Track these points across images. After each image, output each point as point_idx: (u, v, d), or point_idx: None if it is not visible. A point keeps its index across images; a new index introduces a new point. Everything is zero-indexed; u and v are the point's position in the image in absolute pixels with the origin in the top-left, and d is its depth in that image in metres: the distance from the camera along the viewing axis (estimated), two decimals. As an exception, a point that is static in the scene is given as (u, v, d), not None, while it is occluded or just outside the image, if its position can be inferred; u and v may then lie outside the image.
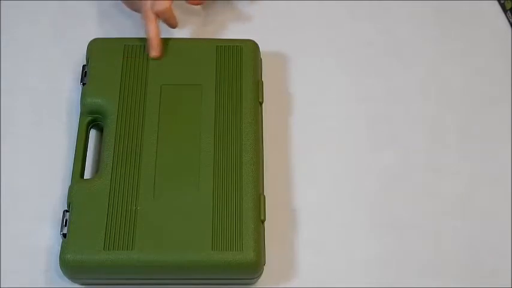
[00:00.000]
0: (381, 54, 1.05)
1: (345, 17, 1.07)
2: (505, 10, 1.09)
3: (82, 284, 0.87)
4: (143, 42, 0.97)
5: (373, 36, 1.06)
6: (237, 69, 0.95)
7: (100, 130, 0.95)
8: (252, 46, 0.98)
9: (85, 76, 0.96)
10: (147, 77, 0.94)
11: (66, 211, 0.87)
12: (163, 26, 0.98)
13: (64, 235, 0.85)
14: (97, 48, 0.97)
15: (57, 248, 0.86)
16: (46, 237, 0.89)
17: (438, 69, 1.04)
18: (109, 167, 0.89)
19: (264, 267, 0.86)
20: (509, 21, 1.08)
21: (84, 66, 0.97)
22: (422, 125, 1.00)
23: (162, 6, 0.96)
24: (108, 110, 0.92)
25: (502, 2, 1.09)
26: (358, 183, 0.95)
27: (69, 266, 0.84)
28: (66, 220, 0.86)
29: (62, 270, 0.85)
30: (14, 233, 0.90)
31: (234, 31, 1.04)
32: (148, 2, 0.96)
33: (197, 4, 1.04)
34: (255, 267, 0.85)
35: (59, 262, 0.85)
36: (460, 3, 1.09)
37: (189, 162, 0.89)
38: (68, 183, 0.89)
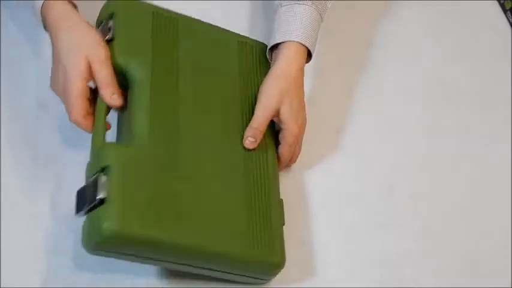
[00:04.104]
0: (381, 54, 1.05)
1: (345, 17, 1.07)
2: (505, 10, 1.09)
3: (98, 255, 0.78)
4: (171, 14, 0.91)
5: (373, 36, 1.06)
6: (255, 68, 0.94)
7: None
8: (264, 48, 0.96)
9: (109, 31, 0.87)
10: (178, 52, 0.88)
11: (102, 173, 0.77)
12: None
13: (101, 200, 0.75)
14: (122, 6, 0.89)
15: (56, 247, 0.86)
16: (46, 237, 0.89)
17: (438, 69, 1.04)
18: (146, 138, 0.81)
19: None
20: (509, 21, 1.08)
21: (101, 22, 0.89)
22: (422, 125, 1.00)
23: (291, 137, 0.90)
24: (138, 73, 0.84)
25: (502, 2, 1.09)
26: (358, 183, 0.95)
27: (107, 236, 0.74)
28: (100, 183, 0.76)
29: (93, 240, 0.76)
30: (14, 233, 0.90)
31: (234, 31, 1.03)
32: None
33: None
34: (279, 268, 0.85)
35: (89, 232, 0.75)
36: (460, 3, 1.09)
37: (225, 153, 0.86)
38: (68, 183, 0.89)
